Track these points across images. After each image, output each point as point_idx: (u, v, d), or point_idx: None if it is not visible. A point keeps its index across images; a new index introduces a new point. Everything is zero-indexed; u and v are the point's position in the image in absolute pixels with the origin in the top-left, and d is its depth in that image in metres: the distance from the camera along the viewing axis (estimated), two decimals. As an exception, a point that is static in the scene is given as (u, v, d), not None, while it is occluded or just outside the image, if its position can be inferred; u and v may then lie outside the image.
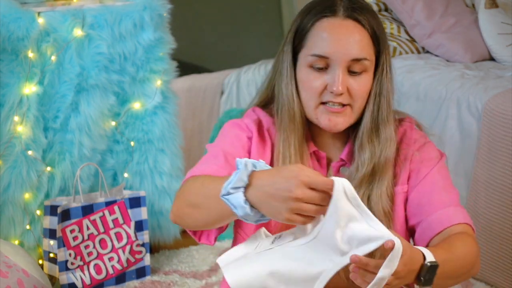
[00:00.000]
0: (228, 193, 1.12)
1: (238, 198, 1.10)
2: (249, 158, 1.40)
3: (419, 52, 3.12)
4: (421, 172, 1.41)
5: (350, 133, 1.43)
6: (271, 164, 1.41)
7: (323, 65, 1.35)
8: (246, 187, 1.11)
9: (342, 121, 1.36)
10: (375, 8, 3.25)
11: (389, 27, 3.16)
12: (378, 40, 1.38)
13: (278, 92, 1.42)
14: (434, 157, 1.44)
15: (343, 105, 1.36)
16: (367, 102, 1.39)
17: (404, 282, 1.13)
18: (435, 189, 1.39)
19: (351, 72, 1.36)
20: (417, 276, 1.14)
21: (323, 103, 1.37)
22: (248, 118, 1.47)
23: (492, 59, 3.01)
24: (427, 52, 3.12)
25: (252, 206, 1.11)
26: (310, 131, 1.44)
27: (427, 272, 1.14)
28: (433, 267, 1.14)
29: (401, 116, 1.50)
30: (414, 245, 1.34)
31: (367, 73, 1.37)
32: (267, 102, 1.48)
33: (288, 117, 1.40)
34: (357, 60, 1.34)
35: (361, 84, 1.36)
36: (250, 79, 3.38)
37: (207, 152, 1.43)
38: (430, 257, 1.14)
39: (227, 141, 1.42)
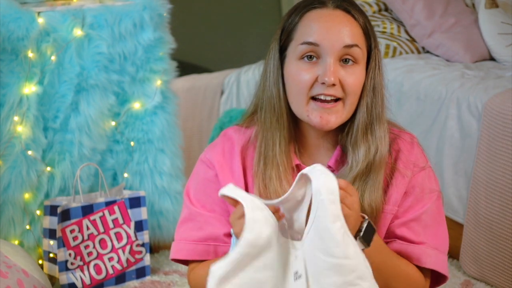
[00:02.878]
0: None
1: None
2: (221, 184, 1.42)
3: (419, 52, 3.11)
4: (417, 206, 1.38)
5: (338, 138, 1.39)
6: (245, 173, 1.41)
7: (314, 54, 1.31)
8: None
9: (334, 119, 1.32)
10: (375, 8, 3.25)
11: (389, 27, 3.16)
12: (369, 34, 1.35)
13: (264, 91, 1.39)
14: (432, 190, 1.40)
15: (335, 100, 1.32)
16: (361, 97, 1.35)
17: (352, 220, 1.20)
18: (427, 232, 1.38)
19: (343, 62, 1.32)
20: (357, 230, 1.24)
21: (314, 99, 1.32)
22: (211, 150, 1.45)
23: (492, 59, 3.01)
24: (427, 52, 3.12)
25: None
26: (296, 136, 1.40)
27: (366, 229, 1.23)
28: (371, 225, 1.24)
29: (398, 128, 1.45)
30: None
31: (359, 65, 1.33)
32: (256, 108, 1.43)
33: (274, 116, 1.36)
34: (348, 46, 1.30)
35: (354, 77, 1.32)
36: (250, 79, 3.38)
37: (185, 209, 1.46)
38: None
39: (200, 191, 1.43)
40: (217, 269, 1.14)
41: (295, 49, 1.34)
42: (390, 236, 1.38)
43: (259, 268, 1.14)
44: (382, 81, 1.37)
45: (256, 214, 1.15)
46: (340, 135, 1.39)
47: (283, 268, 1.18)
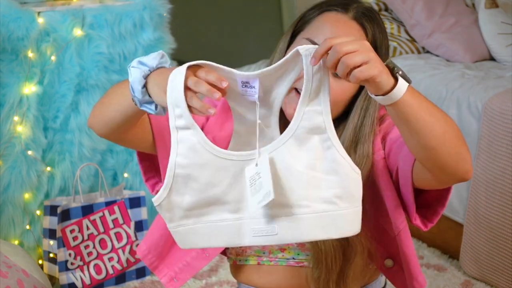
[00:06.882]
0: (133, 67, 1.18)
1: (138, 72, 1.17)
2: (205, 126, 1.40)
3: (419, 52, 3.11)
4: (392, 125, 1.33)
5: None
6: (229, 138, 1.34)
7: None
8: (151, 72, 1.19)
9: None
10: (375, 8, 3.25)
11: (389, 27, 3.16)
12: (377, 53, 1.30)
13: None
14: None
15: None
16: (350, 115, 1.33)
17: (379, 69, 1.08)
18: None
19: (335, 74, 1.26)
20: (391, 72, 1.10)
21: (296, 90, 1.30)
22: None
23: (492, 59, 3.01)
24: (427, 52, 3.12)
25: (145, 87, 1.18)
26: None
27: (396, 67, 1.10)
28: (395, 64, 1.11)
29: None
30: (400, 180, 1.30)
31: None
32: None
33: None
34: None
35: (341, 87, 1.29)
36: (250, 79, 3.38)
37: None
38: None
39: None
40: (157, 198, 1.14)
41: (300, 40, 1.35)
42: (397, 162, 1.31)
43: (199, 189, 1.12)
44: (378, 104, 1.32)
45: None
46: None
47: (235, 179, 1.12)
